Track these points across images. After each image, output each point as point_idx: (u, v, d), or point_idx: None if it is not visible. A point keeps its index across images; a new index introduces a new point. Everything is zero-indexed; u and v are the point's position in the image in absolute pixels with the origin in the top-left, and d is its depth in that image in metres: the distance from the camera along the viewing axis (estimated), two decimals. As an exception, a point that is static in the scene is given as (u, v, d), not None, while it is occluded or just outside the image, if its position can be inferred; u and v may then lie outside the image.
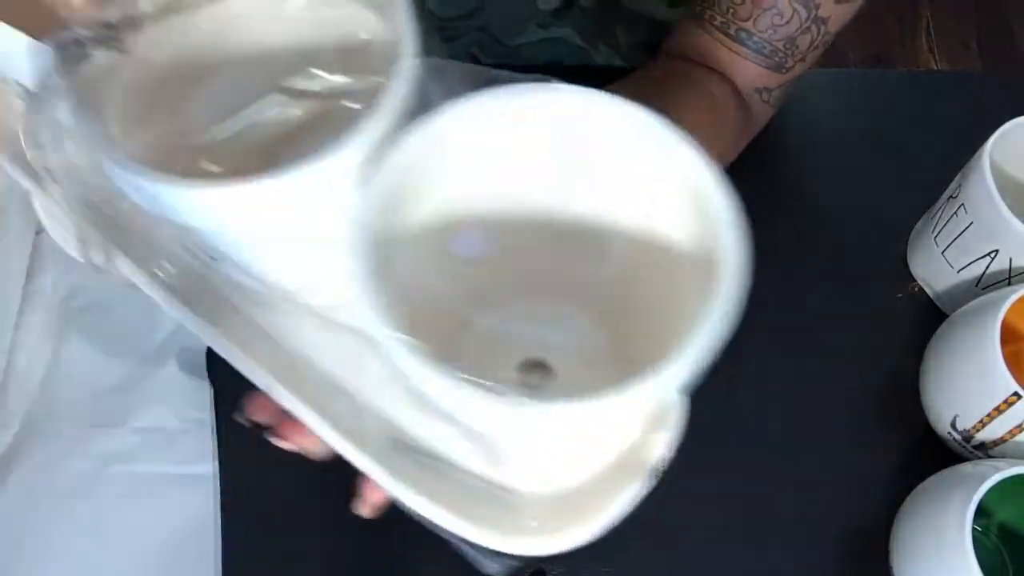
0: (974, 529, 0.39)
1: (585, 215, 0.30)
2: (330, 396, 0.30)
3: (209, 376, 0.50)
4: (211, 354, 0.50)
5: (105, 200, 0.29)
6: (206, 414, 0.49)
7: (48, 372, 0.49)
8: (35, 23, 0.26)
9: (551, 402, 0.21)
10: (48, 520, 0.46)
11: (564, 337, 0.32)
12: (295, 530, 0.48)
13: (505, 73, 0.27)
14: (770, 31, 0.46)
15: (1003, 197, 0.46)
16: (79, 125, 0.25)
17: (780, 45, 0.46)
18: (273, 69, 0.31)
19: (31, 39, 0.26)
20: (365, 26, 0.30)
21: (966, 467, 0.45)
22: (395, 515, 0.49)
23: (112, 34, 0.26)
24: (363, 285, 0.23)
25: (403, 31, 0.27)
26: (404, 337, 0.22)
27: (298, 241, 0.28)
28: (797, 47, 0.47)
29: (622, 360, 0.30)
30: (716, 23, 0.47)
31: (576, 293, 0.32)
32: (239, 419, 0.32)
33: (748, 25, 0.46)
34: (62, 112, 0.26)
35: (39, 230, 0.51)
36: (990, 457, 0.46)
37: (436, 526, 0.28)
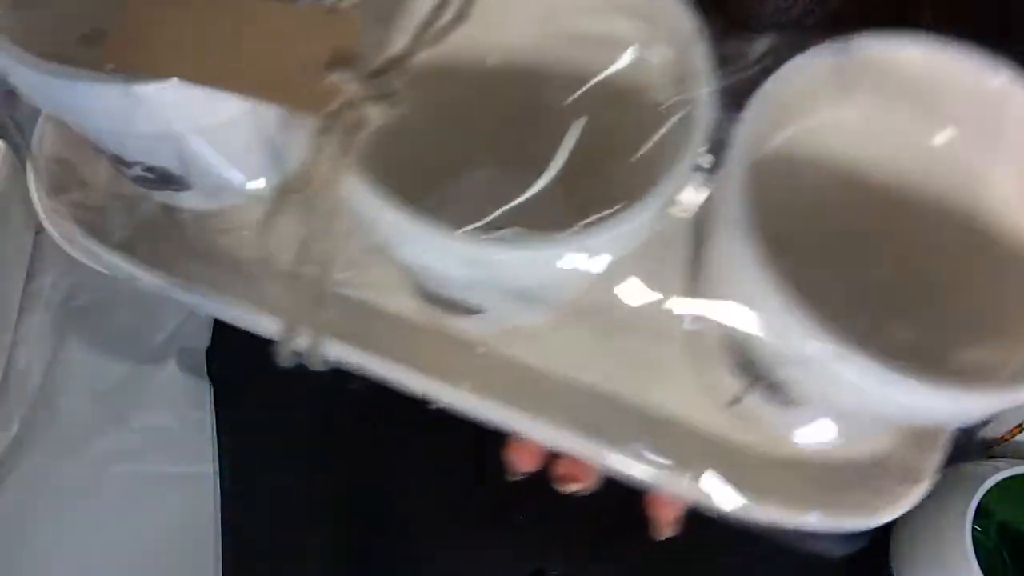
0: (974, 529, 0.39)
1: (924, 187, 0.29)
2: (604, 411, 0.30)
3: (209, 376, 0.50)
4: (211, 354, 0.50)
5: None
6: (206, 414, 0.49)
7: (48, 372, 0.49)
8: (302, 98, 0.22)
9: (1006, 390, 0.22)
10: (48, 520, 0.46)
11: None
12: (295, 530, 0.48)
13: None
14: (777, 15, 0.46)
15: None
16: (393, 212, 0.23)
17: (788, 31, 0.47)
18: (543, 93, 0.29)
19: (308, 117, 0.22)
20: (639, 39, 0.28)
21: (966, 467, 0.45)
22: (393, 515, 0.49)
23: (382, 84, 0.21)
24: (782, 302, 0.22)
25: (691, 43, 0.25)
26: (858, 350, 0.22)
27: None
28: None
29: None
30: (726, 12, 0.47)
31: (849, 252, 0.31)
32: (509, 479, 0.32)
33: (756, 11, 0.46)
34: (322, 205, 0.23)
35: (39, 230, 0.51)
36: (990, 457, 0.46)
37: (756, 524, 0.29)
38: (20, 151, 0.33)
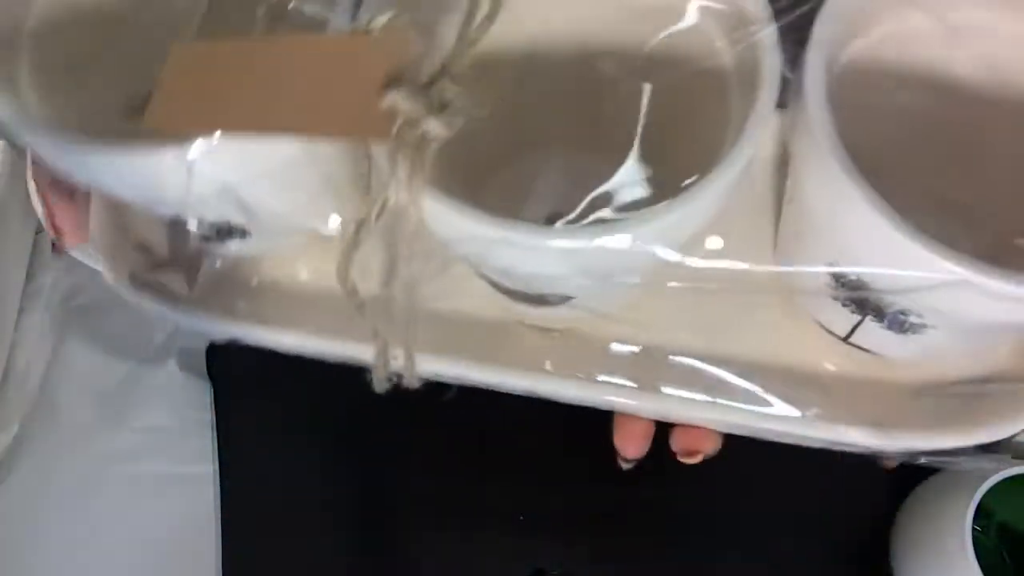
0: (974, 529, 0.39)
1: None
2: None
3: (209, 376, 0.50)
4: (211, 354, 0.50)
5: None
6: (206, 414, 0.49)
7: (48, 372, 0.49)
8: (367, 126, 0.20)
9: None
10: (48, 520, 0.46)
11: None
12: (295, 530, 0.48)
13: None
14: None
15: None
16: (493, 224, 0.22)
17: None
18: (593, 72, 0.29)
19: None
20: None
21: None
22: (394, 514, 0.49)
23: (436, 95, 0.20)
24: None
25: None
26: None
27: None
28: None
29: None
30: None
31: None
32: (624, 466, 0.31)
33: None
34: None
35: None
36: (990, 457, 0.46)
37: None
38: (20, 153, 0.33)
